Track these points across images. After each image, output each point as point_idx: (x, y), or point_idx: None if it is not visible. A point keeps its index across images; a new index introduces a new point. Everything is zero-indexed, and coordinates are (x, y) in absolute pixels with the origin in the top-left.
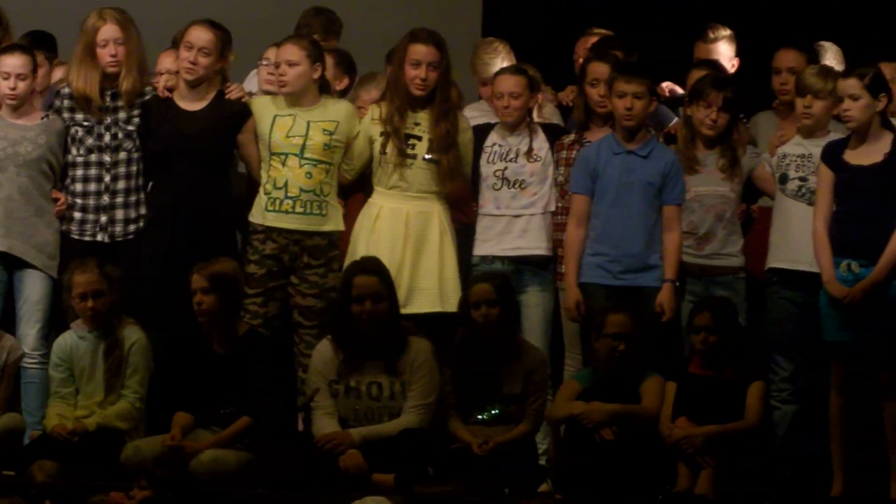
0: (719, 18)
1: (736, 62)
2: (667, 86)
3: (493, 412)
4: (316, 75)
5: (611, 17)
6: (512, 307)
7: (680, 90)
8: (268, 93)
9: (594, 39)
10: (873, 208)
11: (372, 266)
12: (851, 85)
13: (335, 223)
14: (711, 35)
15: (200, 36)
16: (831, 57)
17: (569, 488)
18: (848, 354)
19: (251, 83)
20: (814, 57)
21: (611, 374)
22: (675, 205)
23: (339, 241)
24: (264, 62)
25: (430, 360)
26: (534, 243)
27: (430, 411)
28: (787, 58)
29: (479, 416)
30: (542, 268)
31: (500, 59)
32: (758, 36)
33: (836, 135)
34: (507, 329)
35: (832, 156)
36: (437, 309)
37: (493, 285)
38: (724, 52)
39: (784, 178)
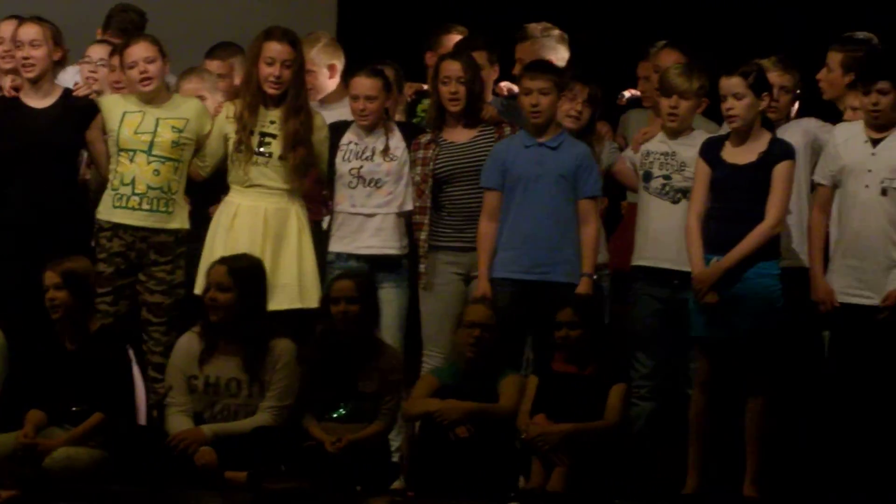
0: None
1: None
2: (505, 85)
3: (345, 410)
4: (166, 72)
5: (467, 14)
6: (372, 305)
7: (517, 89)
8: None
9: (455, 38)
10: (745, 206)
11: (229, 261)
12: (735, 84)
13: (181, 221)
14: (529, 33)
15: (27, 31)
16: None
17: (422, 485)
18: (714, 351)
19: (68, 77)
20: (702, 58)
21: (470, 370)
22: (589, 197)
23: (185, 238)
24: (86, 60)
25: (291, 362)
26: (388, 242)
27: (284, 413)
28: (669, 59)
29: (333, 414)
30: (396, 266)
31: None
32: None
33: (700, 133)
34: (366, 327)
35: (710, 152)
36: (297, 305)
37: (354, 282)
38: (540, 53)
39: (648, 176)
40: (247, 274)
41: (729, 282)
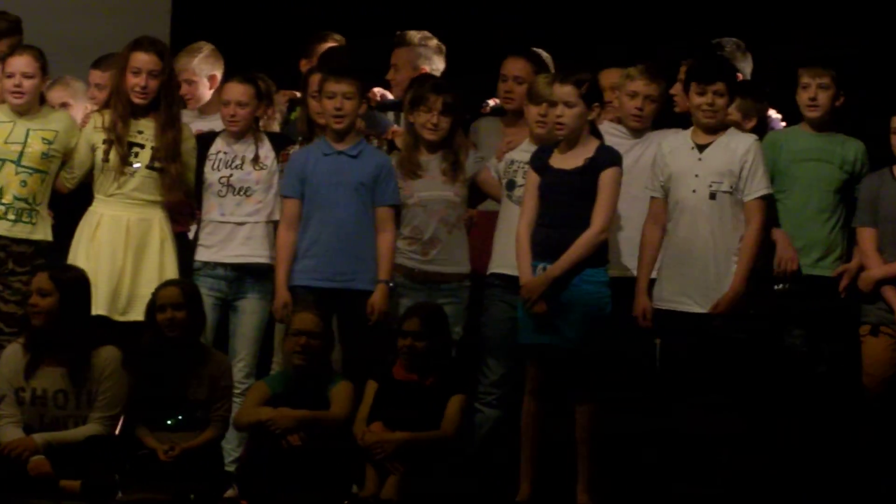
0: (437, 25)
1: (435, 70)
2: (378, 91)
3: (178, 418)
4: (45, 85)
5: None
6: (198, 312)
7: (391, 96)
8: None
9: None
10: (571, 212)
11: (52, 268)
12: (568, 92)
13: (44, 232)
14: (406, 40)
15: None
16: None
17: (255, 494)
18: (543, 358)
19: None
20: (542, 66)
21: (300, 378)
22: (387, 206)
23: (46, 249)
24: None
25: (117, 370)
26: (257, 251)
27: (115, 421)
28: (516, 66)
29: (167, 422)
30: (264, 276)
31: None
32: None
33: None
34: (192, 333)
35: (539, 160)
36: None
37: (180, 289)
38: (416, 61)
39: (511, 185)
40: (69, 282)
41: (556, 289)
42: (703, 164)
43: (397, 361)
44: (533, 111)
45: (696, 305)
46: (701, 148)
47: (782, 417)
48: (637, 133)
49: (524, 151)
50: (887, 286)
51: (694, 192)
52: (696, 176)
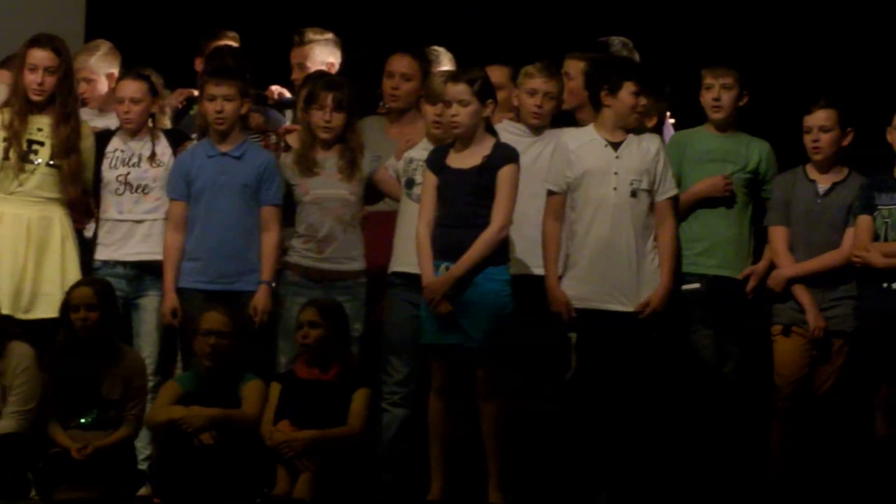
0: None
1: (336, 65)
2: (276, 89)
3: (92, 417)
4: None
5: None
6: (112, 311)
7: (288, 94)
8: None
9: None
10: (470, 211)
11: None
12: (461, 91)
13: None
14: (305, 38)
15: None
16: (446, 62)
17: (167, 492)
18: (447, 357)
19: None
20: (427, 63)
21: (211, 376)
22: (272, 205)
23: None
24: None
25: (31, 366)
26: (156, 248)
27: (29, 418)
28: (402, 63)
29: (81, 420)
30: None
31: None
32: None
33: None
34: (106, 333)
35: (435, 160)
36: None
37: (93, 289)
38: (318, 56)
39: (410, 183)
40: None
41: (459, 288)
42: (622, 161)
43: (297, 361)
44: (430, 110)
45: (619, 304)
46: (615, 146)
47: (689, 416)
48: (536, 130)
49: (423, 150)
50: (798, 285)
51: (615, 190)
52: (616, 174)
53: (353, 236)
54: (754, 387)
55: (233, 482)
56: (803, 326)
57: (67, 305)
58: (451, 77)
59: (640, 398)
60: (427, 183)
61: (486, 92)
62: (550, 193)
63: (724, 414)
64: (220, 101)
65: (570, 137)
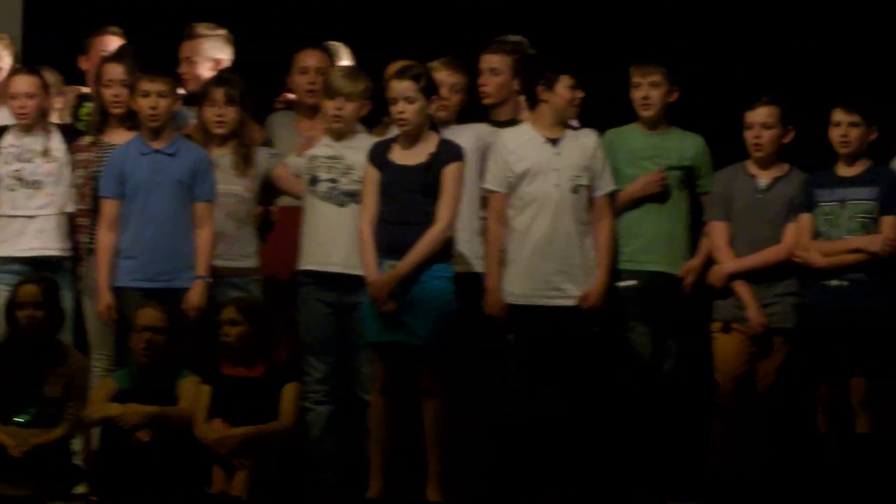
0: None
1: (226, 61)
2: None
3: (29, 415)
4: None
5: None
6: (57, 311)
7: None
8: None
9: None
10: (415, 208)
11: None
12: (407, 87)
13: None
14: (195, 32)
15: None
16: (345, 57)
17: (105, 490)
18: (390, 354)
19: None
20: (335, 58)
21: (147, 373)
22: (205, 201)
23: None
24: None
25: None
26: (49, 244)
27: None
28: (315, 58)
29: (17, 419)
30: (58, 268)
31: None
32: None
33: (365, 136)
34: (51, 332)
35: (378, 155)
36: None
37: (40, 287)
38: (207, 52)
39: (314, 180)
40: None
41: (404, 286)
42: (562, 158)
43: (223, 359)
44: (329, 105)
45: (558, 300)
46: (554, 142)
47: (629, 413)
48: (443, 124)
49: (325, 146)
50: (739, 281)
51: (557, 187)
52: (557, 170)
53: (247, 233)
54: (695, 384)
55: (170, 479)
56: (744, 323)
57: (13, 302)
58: (396, 74)
59: (580, 395)
60: (369, 178)
61: (430, 88)
62: (491, 193)
63: (664, 411)
64: (154, 97)
65: (508, 136)
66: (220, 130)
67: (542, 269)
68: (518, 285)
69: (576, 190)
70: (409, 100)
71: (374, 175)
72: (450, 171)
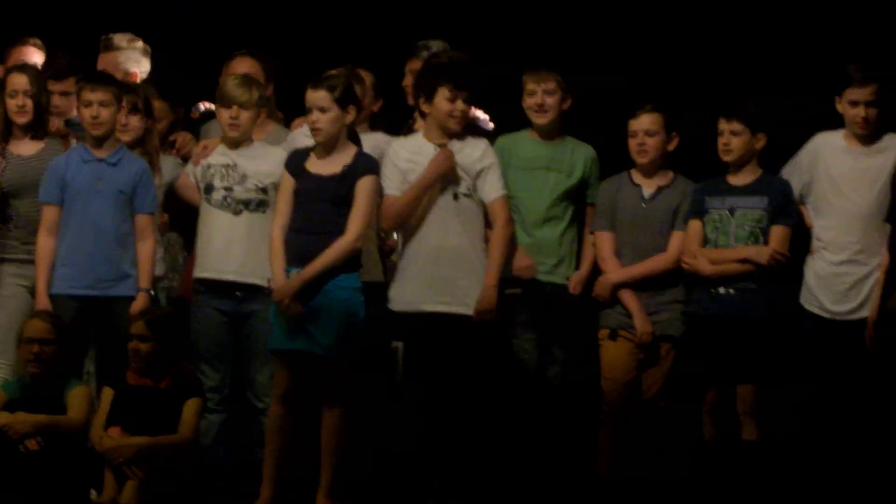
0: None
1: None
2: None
3: None
4: None
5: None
6: None
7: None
8: None
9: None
10: (327, 219)
11: None
12: (321, 97)
13: None
14: (112, 44)
15: None
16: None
17: None
18: (293, 362)
19: None
20: (271, 66)
21: (36, 383)
22: (146, 213)
23: None
24: None
25: None
26: None
27: None
28: (244, 64)
29: None
30: None
31: None
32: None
33: (261, 144)
34: None
35: (295, 164)
36: None
37: None
38: (121, 64)
39: (209, 188)
40: None
41: (309, 294)
42: None
43: (129, 367)
44: (224, 114)
45: (445, 305)
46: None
47: (514, 420)
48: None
49: (220, 154)
50: (625, 290)
51: (442, 195)
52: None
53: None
54: (582, 391)
55: (59, 488)
56: (630, 331)
57: None
58: (312, 83)
59: (468, 401)
60: (283, 186)
61: (347, 98)
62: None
63: (549, 418)
64: (95, 106)
65: (400, 146)
66: (124, 139)
67: (429, 276)
68: (407, 292)
69: (456, 197)
70: (322, 110)
71: (289, 182)
72: (363, 184)
